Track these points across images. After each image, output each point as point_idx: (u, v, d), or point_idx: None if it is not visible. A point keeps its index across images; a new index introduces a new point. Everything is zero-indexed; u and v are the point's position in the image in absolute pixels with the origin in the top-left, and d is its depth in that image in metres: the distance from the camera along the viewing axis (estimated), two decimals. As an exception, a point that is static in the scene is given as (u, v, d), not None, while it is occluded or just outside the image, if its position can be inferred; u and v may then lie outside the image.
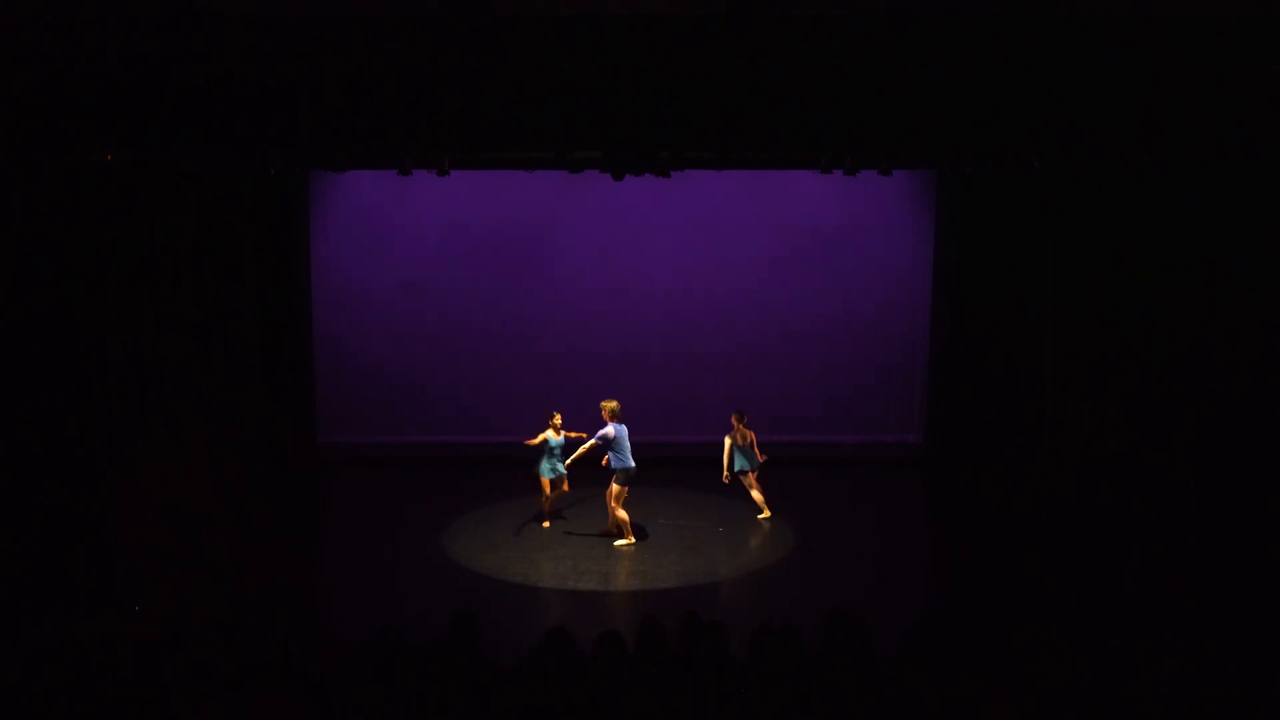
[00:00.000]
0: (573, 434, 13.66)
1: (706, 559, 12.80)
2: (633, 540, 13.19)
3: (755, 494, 14.15)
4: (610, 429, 13.05)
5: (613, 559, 12.76)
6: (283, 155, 11.92)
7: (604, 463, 13.19)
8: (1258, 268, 10.59)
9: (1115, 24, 8.62)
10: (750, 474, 14.10)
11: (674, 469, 16.55)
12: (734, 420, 14.05)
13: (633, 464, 13.11)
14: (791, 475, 16.33)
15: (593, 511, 14.13)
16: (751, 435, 14.05)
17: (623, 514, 13.15)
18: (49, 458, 10.97)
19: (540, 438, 13.58)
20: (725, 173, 14.96)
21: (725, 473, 14.06)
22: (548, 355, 17.19)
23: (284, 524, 14.08)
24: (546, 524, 13.84)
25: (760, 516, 14.11)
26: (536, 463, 13.62)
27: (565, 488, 13.90)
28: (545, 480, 13.65)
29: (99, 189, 11.12)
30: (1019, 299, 15.16)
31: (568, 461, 13.60)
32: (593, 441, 13.14)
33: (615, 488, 13.10)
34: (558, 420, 13.69)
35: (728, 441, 14.04)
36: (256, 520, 14.03)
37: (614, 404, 13.22)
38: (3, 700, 5.26)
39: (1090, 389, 13.23)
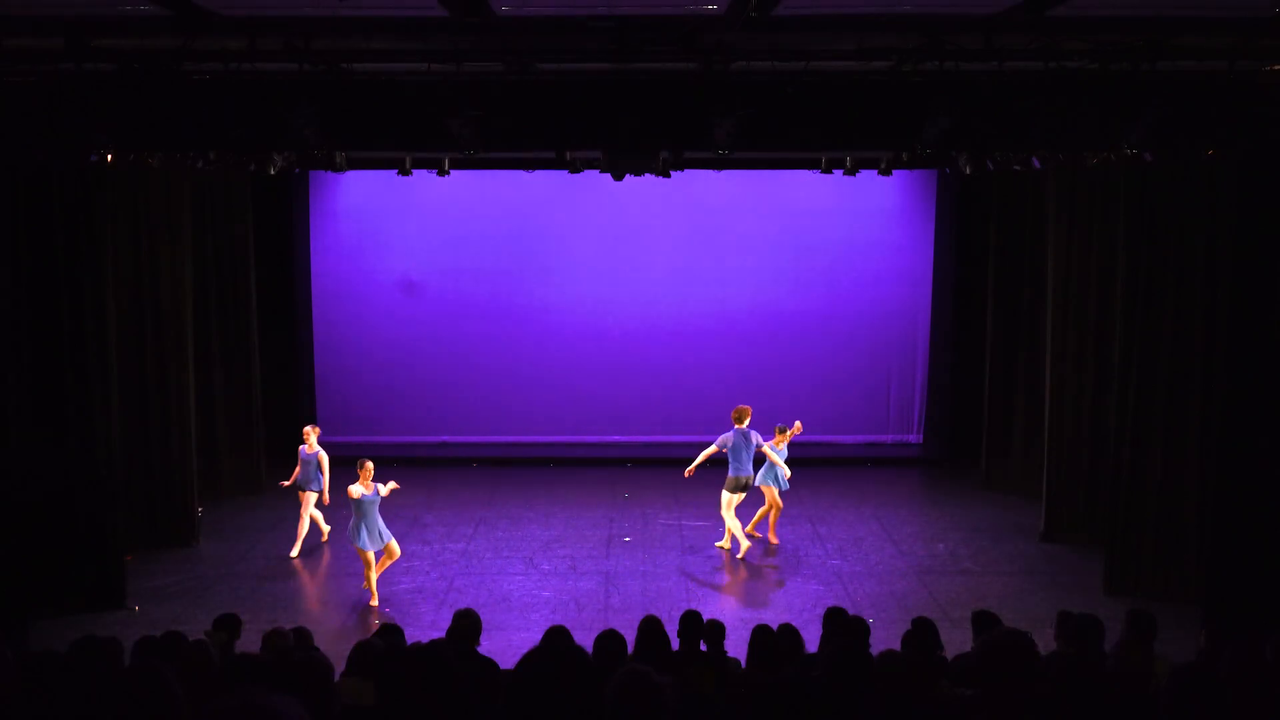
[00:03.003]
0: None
1: (706, 559, 12.80)
2: (728, 547, 12.90)
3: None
4: (728, 434, 12.80)
5: (613, 559, 12.76)
6: (283, 155, 11.92)
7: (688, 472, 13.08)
8: (1258, 268, 10.58)
9: (1115, 24, 8.61)
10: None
11: (674, 469, 16.55)
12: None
13: (746, 472, 12.75)
14: (792, 475, 16.32)
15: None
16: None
17: (733, 521, 12.82)
18: (51, 458, 10.96)
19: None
20: (725, 173, 14.96)
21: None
22: (547, 355, 17.19)
23: (283, 523, 14.04)
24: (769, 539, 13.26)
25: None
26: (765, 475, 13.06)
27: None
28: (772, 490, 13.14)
29: (99, 189, 11.11)
30: (1018, 299, 15.16)
31: (690, 468, 13.12)
32: (713, 448, 12.85)
33: (725, 495, 12.81)
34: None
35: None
36: (256, 519, 14.03)
37: (737, 409, 12.96)
38: (4, 699, 5.25)
39: (1090, 387, 13.23)
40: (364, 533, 11.34)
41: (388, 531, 11.55)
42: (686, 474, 13.04)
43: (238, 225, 15.14)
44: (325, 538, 13.20)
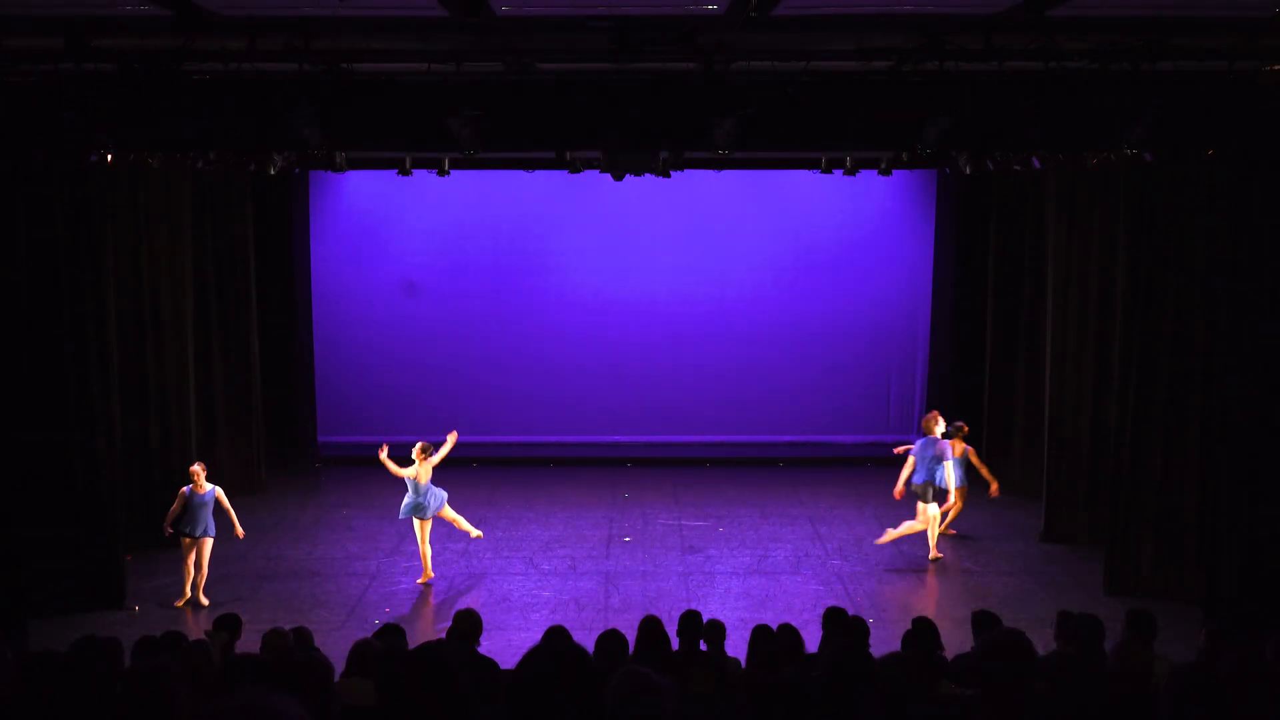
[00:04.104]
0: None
1: (706, 558, 12.80)
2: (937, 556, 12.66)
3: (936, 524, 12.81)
4: (917, 442, 12.76)
5: (613, 559, 12.76)
6: (283, 155, 11.93)
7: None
8: (1258, 268, 10.59)
9: (1115, 24, 8.61)
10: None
11: (674, 469, 16.57)
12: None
13: (929, 480, 12.45)
14: (791, 475, 16.36)
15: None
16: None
17: (931, 528, 12.62)
18: (51, 458, 10.96)
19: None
20: (725, 173, 14.96)
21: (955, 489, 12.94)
22: (547, 355, 17.18)
23: (283, 523, 14.06)
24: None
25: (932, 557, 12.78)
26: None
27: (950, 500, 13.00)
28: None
29: (99, 189, 11.11)
30: (1018, 299, 15.17)
31: (898, 487, 12.74)
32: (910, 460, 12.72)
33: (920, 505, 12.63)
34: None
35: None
36: (256, 519, 14.02)
37: (924, 419, 12.91)
38: (6, 699, 5.25)
39: (1090, 387, 13.22)
40: (430, 503, 11.83)
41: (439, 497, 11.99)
42: (896, 495, 12.79)
43: (238, 225, 15.13)
44: (190, 596, 11.46)
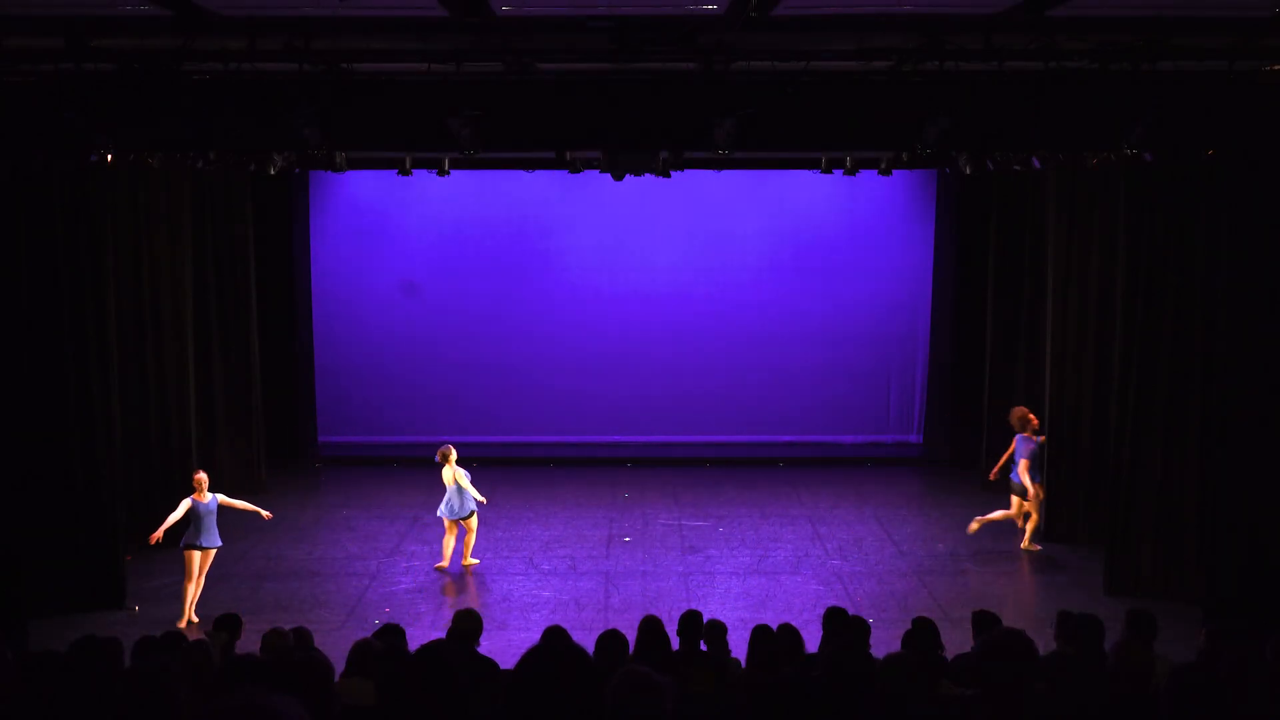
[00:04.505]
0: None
1: (706, 558, 12.80)
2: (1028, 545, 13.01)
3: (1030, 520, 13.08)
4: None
5: (613, 559, 12.76)
6: (283, 155, 11.93)
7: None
8: (1258, 268, 10.58)
9: (1115, 24, 8.61)
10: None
11: (674, 469, 16.57)
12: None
13: (1017, 480, 12.81)
14: (792, 475, 16.35)
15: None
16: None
17: (1028, 529, 12.96)
18: (51, 458, 10.96)
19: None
20: (725, 173, 14.96)
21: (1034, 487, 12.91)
22: (547, 355, 17.19)
23: (283, 523, 14.04)
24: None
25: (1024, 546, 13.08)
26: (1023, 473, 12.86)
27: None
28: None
29: (99, 189, 11.11)
30: (1018, 299, 15.16)
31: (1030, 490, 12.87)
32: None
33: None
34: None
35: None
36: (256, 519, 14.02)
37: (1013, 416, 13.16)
38: (6, 699, 5.25)
39: (1090, 387, 13.22)
40: (456, 506, 12.39)
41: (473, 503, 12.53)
42: (1033, 495, 12.92)
43: (238, 225, 15.13)
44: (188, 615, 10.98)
